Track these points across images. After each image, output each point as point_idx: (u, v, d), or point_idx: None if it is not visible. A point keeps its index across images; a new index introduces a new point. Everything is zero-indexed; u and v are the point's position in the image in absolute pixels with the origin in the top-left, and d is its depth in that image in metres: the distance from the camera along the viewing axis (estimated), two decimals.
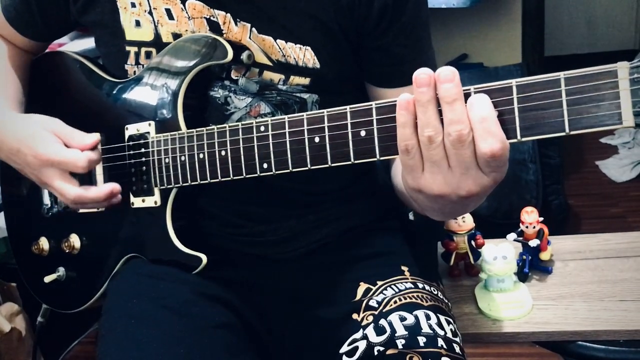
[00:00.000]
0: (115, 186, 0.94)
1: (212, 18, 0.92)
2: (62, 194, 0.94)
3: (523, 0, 2.89)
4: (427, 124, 0.64)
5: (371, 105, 0.71)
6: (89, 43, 1.07)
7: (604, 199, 2.93)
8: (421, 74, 0.64)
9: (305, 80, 0.94)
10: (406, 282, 0.96)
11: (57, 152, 0.92)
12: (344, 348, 0.89)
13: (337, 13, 0.90)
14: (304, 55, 0.92)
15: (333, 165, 0.75)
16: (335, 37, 0.92)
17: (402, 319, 0.89)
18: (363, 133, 0.72)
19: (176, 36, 0.95)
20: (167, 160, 0.93)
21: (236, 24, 0.92)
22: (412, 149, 0.66)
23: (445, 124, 0.64)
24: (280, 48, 0.91)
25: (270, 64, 0.92)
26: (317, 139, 0.76)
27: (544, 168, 2.44)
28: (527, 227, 1.23)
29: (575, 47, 4.39)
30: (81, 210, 1.05)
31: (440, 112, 0.64)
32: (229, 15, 0.92)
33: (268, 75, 0.93)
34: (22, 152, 0.95)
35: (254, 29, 0.91)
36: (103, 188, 0.94)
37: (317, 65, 0.92)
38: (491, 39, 2.95)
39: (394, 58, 0.93)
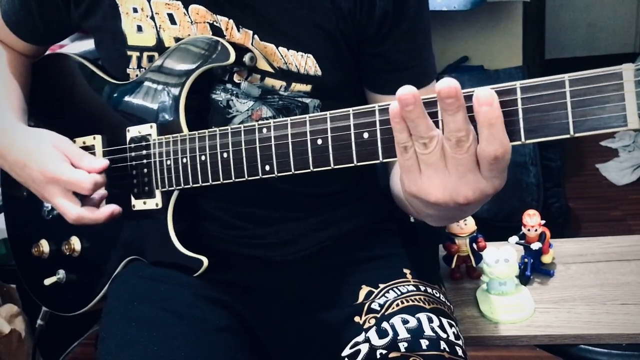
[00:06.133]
0: (115, 208, 0.95)
1: (215, 23, 0.92)
2: (63, 212, 0.94)
3: (524, 3, 2.89)
4: (419, 134, 0.64)
5: (374, 107, 0.71)
6: (90, 44, 1.06)
7: (604, 202, 2.93)
8: (405, 94, 0.63)
9: (307, 87, 0.93)
10: (408, 285, 0.96)
11: (64, 171, 0.93)
12: (346, 351, 0.89)
13: (338, 20, 0.90)
14: (305, 62, 0.91)
15: (335, 167, 0.75)
16: (337, 44, 0.92)
17: (405, 321, 0.89)
18: (366, 135, 0.72)
19: (179, 41, 0.94)
20: (168, 162, 0.93)
21: (238, 31, 0.91)
22: (410, 149, 0.66)
23: (445, 131, 0.64)
24: (282, 55, 0.91)
25: (272, 70, 0.92)
26: (319, 141, 0.75)
27: (544, 171, 2.44)
28: (529, 230, 1.22)
29: (576, 50, 4.39)
30: None
31: (431, 120, 0.64)
32: (231, 21, 0.91)
33: (269, 81, 0.93)
34: (28, 167, 0.95)
35: (256, 36, 0.91)
36: (104, 211, 0.95)
37: (319, 73, 0.92)
38: (492, 42, 2.96)
39: (394, 64, 0.93)
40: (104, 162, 0.95)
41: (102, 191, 0.97)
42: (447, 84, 0.62)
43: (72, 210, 0.93)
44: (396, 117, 0.65)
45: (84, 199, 0.96)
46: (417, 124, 0.64)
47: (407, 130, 0.65)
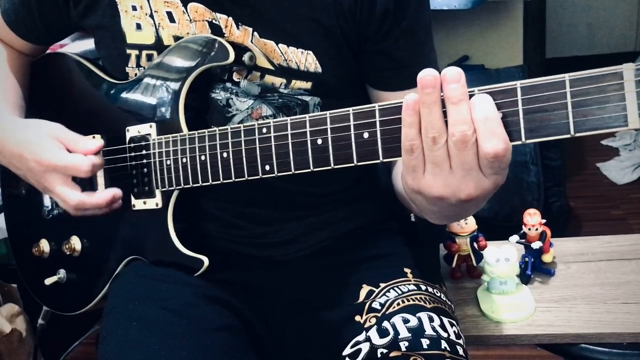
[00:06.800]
0: (116, 191, 0.95)
1: (214, 21, 0.92)
2: (63, 199, 0.94)
3: (524, 2, 2.89)
4: (432, 125, 0.64)
5: (374, 107, 0.71)
6: (90, 44, 1.06)
7: (604, 201, 2.93)
8: (426, 75, 0.63)
9: (307, 84, 0.93)
10: (409, 284, 0.96)
11: (60, 157, 0.92)
12: (347, 350, 0.89)
13: (338, 17, 0.90)
14: (305, 59, 0.91)
15: (336, 167, 0.75)
16: (337, 41, 0.92)
17: (405, 321, 0.89)
18: (366, 135, 0.72)
19: (177, 39, 0.94)
20: (168, 162, 0.93)
21: (238, 28, 0.91)
22: (417, 149, 0.66)
23: (450, 125, 0.64)
24: (281, 52, 0.91)
25: (272, 68, 0.92)
26: (319, 141, 0.75)
27: (545, 170, 2.43)
28: (529, 229, 1.23)
29: (576, 49, 4.39)
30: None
31: (444, 113, 0.64)
32: (230, 18, 0.91)
33: (269, 79, 0.93)
34: (24, 158, 0.95)
35: (255, 33, 0.91)
36: (104, 194, 0.94)
37: (319, 70, 0.92)
38: (492, 41, 2.95)
39: (395, 62, 0.93)
40: (98, 143, 0.95)
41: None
42: (451, 69, 0.63)
43: (73, 197, 0.93)
44: (409, 109, 0.65)
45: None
46: (432, 110, 0.64)
47: (417, 125, 0.65)
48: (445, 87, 0.63)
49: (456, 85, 0.63)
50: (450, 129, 0.64)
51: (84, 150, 0.94)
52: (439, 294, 0.98)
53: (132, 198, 0.98)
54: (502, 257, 1.18)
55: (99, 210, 0.95)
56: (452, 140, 0.64)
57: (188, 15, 0.93)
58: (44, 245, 1.11)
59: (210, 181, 0.88)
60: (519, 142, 0.63)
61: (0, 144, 0.98)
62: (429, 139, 0.65)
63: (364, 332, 0.90)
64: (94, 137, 1.02)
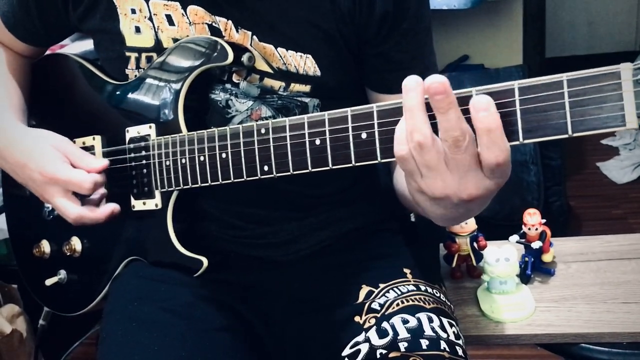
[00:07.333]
0: (115, 207, 0.96)
1: (213, 24, 0.92)
2: (63, 212, 0.95)
3: (524, 1, 2.90)
4: (416, 129, 0.64)
5: (372, 107, 0.71)
6: (90, 44, 1.06)
7: (605, 201, 2.93)
8: (409, 81, 0.64)
9: (306, 88, 0.93)
10: (408, 285, 0.96)
11: (63, 170, 0.93)
12: (346, 351, 0.89)
13: (337, 21, 0.90)
14: (304, 63, 0.91)
15: (334, 167, 0.75)
16: (336, 44, 0.92)
17: (405, 321, 0.89)
18: (364, 135, 0.72)
19: (177, 42, 0.94)
20: (167, 162, 0.93)
21: (237, 31, 0.91)
22: (407, 155, 0.66)
23: (440, 131, 0.63)
24: (280, 56, 0.91)
25: (271, 71, 0.92)
26: (318, 142, 0.75)
27: (545, 169, 2.43)
28: (529, 229, 1.23)
29: (576, 49, 4.39)
30: None
31: (430, 116, 0.64)
32: (230, 22, 0.91)
33: (268, 82, 0.93)
34: (28, 167, 0.95)
35: (254, 36, 0.91)
36: (103, 211, 0.95)
37: (318, 73, 0.92)
38: (492, 41, 2.96)
39: (395, 64, 0.93)
40: (103, 162, 0.96)
41: (102, 190, 0.97)
42: (435, 80, 0.61)
43: (72, 210, 0.94)
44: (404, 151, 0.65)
45: (83, 199, 0.96)
46: (414, 113, 0.64)
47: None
48: (431, 99, 0.62)
49: (441, 97, 0.61)
50: (441, 135, 0.63)
51: (88, 167, 0.95)
52: (438, 295, 0.98)
53: (132, 199, 0.99)
54: (502, 257, 1.18)
55: (98, 223, 0.96)
56: (445, 145, 0.63)
57: (187, 18, 0.93)
58: (45, 245, 1.11)
59: (210, 182, 0.88)
60: (517, 143, 0.63)
61: (6, 151, 0.99)
62: (414, 144, 0.64)
63: (364, 332, 0.90)
64: (93, 138, 1.02)
